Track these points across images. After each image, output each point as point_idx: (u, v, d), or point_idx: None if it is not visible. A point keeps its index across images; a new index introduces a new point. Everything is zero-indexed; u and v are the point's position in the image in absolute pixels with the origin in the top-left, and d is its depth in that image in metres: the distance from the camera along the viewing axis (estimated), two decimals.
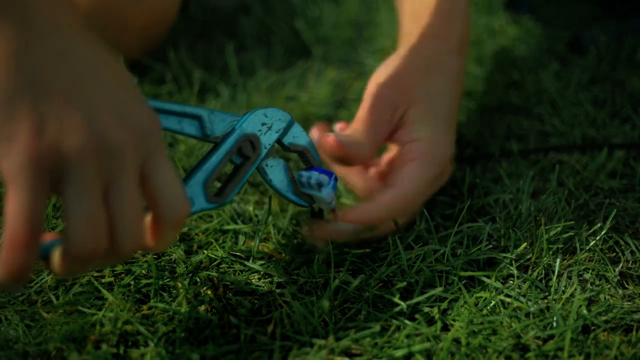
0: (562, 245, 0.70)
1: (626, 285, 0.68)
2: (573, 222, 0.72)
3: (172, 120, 0.61)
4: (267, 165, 0.66)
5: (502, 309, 0.65)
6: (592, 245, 0.70)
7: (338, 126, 0.75)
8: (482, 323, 0.62)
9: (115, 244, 0.51)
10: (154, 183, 0.53)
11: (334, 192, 0.67)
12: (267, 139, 0.66)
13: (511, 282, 0.67)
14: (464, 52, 0.80)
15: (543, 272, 0.68)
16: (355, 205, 0.74)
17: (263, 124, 0.65)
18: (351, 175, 0.74)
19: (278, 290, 0.67)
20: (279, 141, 0.66)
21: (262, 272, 0.68)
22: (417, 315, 0.64)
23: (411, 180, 0.70)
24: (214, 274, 0.66)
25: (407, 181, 0.70)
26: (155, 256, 0.69)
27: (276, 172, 0.66)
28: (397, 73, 0.75)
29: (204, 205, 0.62)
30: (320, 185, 0.66)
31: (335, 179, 0.67)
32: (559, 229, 0.71)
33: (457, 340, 0.61)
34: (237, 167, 0.65)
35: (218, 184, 0.75)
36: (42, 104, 0.48)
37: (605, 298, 0.66)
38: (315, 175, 0.66)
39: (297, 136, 0.68)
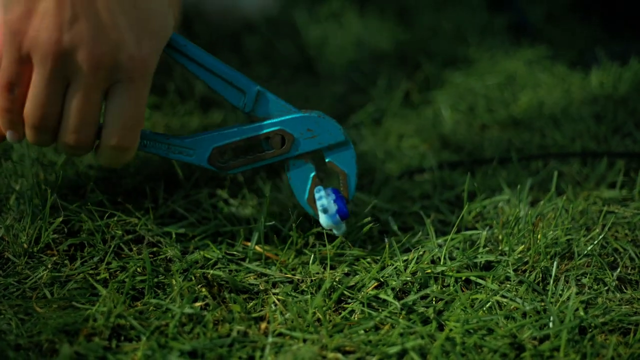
0: (560, 250, 0.70)
1: (625, 290, 0.68)
2: (571, 226, 0.71)
3: (220, 83, 0.65)
4: (293, 164, 0.67)
5: (498, 310, 0.64)
6: (590, 250, 0.70)
7: None
8: (477, 322, 0.62)
9: (59, 130, 0.63)
10: (109, 105, 0.62)
11: (334, 224, 0.67)
12: (305, 145, 0.66)
13: (508, 285, 0.67)
14: None
15: (540, 275, 0.68)
16: None
17: (308, 130, 0.66)
18: None
19: (273, 290, 0.66)
20: (320, 152, 0.67)
21: (257, 272, 0.68)
22: (412, 316, 0.63)
23: None
24: (210, 271, 0.66)
25: None
26: (151, 255, 0.69)
27: (298, 174, 0.68)
28: None
29: (202, 163, 0.66)
30: (324, 210, 0.66)
31: (344, 215, 0.67)
32: (557, 232, 0.70)
33: (452, 340, 0.60)
34: (260, 151, 0.67)
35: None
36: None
37: (603, 301, 0.65)
38: (324, 200, 0.67)
39: (343, 160, 0.68)
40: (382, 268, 0.68)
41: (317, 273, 0.68)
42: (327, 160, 0.68)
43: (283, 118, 0.66)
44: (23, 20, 0.58)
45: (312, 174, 0.68)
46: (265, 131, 0.66)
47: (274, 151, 0.67)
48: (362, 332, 0.61)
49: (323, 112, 0.66)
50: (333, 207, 0.66)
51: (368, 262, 0.70)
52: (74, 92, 0.61)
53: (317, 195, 0.67)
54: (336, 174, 0.69)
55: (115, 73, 0.60)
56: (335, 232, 0.68)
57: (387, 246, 0.68)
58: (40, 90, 0.61)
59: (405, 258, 0.68)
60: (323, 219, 0.67)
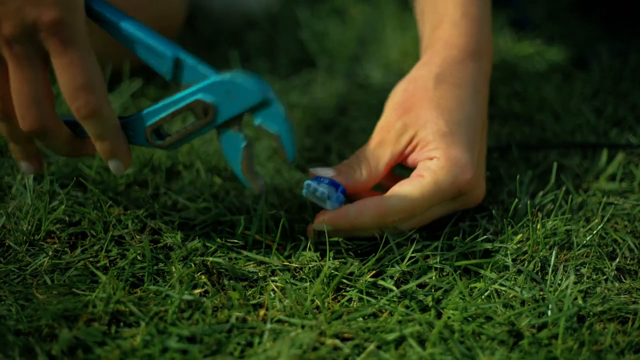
0: (559, 240, 0.70)
1: (623, 280, 0.68)
2: (570, 217, 0.71)
3: (143, 50, 0.62)
4: (223, 132, 0.63)
5: (496, 298, 0.64)
6: (589, 241, 0.70)
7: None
8: (476, 310, 0.62)
9: (17, 116, 0.63)
10: (57, 76, 0.61)
11: (339, 204, 0.67)
12: (228, 110, 0.62)
13: (506, 274, 0.67)
14: (481, 57, 0.76)
15: (539, 264, 0.68)
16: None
17: (226, 93, 0.61)
18: None
19: (272, 277, 0.66)
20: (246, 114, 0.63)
21: (257, 260, 0.68)
22: (410, 303, 0.63)
23: (399, 193, 0.67)
24: (209, 258, 0.67)
25: (393, 193, 0.68)
26: (151, 243, 0.69)
27: (230, 144, 0.63)
28: (403, 92, 0.74)
29: (142, 142, 0.65)
30: (328, 198, 0.67)
31: (343, 191, 0.67)
32: (556, 223, 0.70)
33: (450, 327, 0.60)
34: (192, 123, 0.64)
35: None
36: None
37: (601, 290, 0.66)
38: (321, 188, 0.67)
39: (272, 120, 0.61)
40: (380, 259, 0.68)
41: (315, 261, 0.68)
42: (256, 123, 0.61)
43: (199, 86, 0.61)
44: None
45: (242, 145, 0.63)
46: (185, 102, 0.62)
47: (200, 121, 0.63)
48: (361, 319, 0.61)
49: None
50: (332, 191, 0.67)
51: (367, 254, 0.70)
52: (10, 75, 0.61)
53: (311, 189, 0.67)
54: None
55: (36, 44, 0.60)
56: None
57: (382, 237, 0.69)
58: None
59: (403, 247, 0.68)
60: (330, 205, 0.67)
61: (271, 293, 0.64)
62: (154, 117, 0.64)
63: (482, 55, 0.76)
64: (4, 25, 0.59)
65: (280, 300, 0.63)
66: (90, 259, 0.67)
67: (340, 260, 0.68)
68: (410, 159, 0.71)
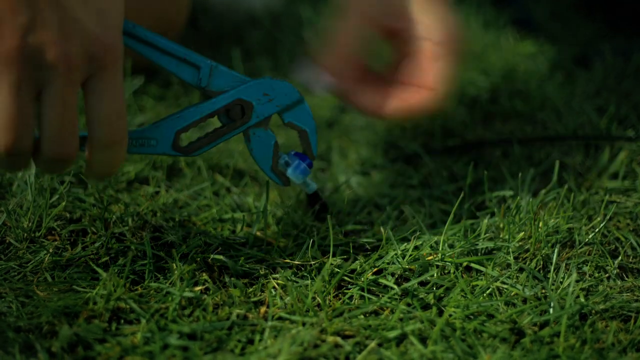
0: (561, 238, 0.70)
1: (625, 278, 0.68)
2: (572, 213, 0.71)
3: (171, 61, 0.63)
4: (254, 133, 0.66)
5: (498, 296, 0.64)
6: (591, 238, 0.70)
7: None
8: (477, 308, 0.62)
9: (39, 147, 0.56)
10: (90, 102, 0.57)
11: (303, 176, 0.67)
12: (263, 110, 0.66)
13: (508, 272, 0.67)
14: None
15: (541, 262, 0.68)
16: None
17: (265, 94, 0.65)
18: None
19: (273, 275, 0.66)
20: (279, 115, 0.67)
21: (258, 258, 0.68)
22: (412, 301, 0.63)
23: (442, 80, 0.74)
24: (210, 255, 0.66)
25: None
26: (152, 240, 0.69)
27: (260, 143, 0.67)
28: None
29: (167, 150, 0.64)
30: (287, 164, 0.67)
31: (309, 165, 0.68)
32: (558, 221, 0.70)
33: (452, 325, 0.60)
34: (221, 127, 0.65)
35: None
36: None
37: (604, 288, 0.65)
38: (285, 156, 0.68)
39: (301, 118, 0.67)
40: (381, 257, 0.68)
41: (316, 259, 0.68)
42: (286, 121, 0.67)
43: (239, 88, 0.65)
44: None
45: (273, 142, 0.67)
46: (224, 104, 0.64)
47: (236, 122, 0.65)
48: (362, 316, 0.61)
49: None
50: (294, 159, 0.67)
51: (370, 250, 0.70)
52: (49, 99, 0.55)
53: (282, 161, 0.68)
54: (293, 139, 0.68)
55: (87, 67, 0.56)
56: (307, 189, 0.70)
57: (383, 234, 0.68)
58: (9, 105, 0.54)
59: (404, 246, 0.68)
60: (290, 172, 0.67)
61: (272, 290, 0.64)
62: (187, 121, 0.64)
63: None
64: (72, 50, 0.55)
65: (281, 298, 0.63)
66: (91, 256, 0.67)
67: (341, 257, 0.68)
68: (398, 31, 0.77)
